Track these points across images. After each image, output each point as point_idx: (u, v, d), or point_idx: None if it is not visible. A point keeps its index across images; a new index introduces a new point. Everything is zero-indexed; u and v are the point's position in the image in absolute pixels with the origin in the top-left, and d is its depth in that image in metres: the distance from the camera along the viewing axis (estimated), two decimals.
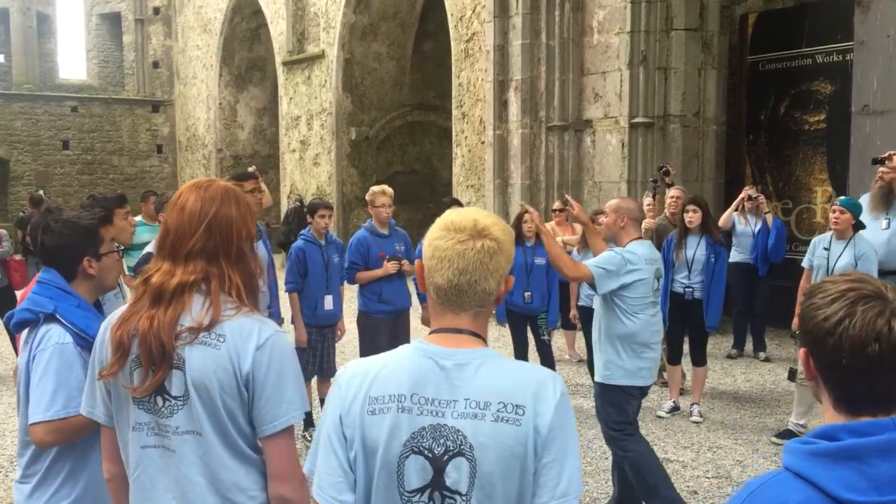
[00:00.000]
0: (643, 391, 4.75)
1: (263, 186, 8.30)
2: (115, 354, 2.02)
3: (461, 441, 1.67)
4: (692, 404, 6.81)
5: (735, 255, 8.74)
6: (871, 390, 1.34)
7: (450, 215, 1.79)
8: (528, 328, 7.21)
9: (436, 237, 1.76)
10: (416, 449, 1.69)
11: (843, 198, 6.28)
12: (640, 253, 4.59)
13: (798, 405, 6.26)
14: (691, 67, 10.00)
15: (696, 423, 6.63)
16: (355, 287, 6.62)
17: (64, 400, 2.43)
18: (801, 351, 1.43)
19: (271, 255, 5.77)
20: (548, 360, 7.22)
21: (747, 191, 8.64)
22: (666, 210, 7.72)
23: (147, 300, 2.02)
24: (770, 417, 6.84)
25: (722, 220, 8.73)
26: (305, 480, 2.05)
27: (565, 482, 1.66)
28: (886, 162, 6.34)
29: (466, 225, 1.74)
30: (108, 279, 2.71)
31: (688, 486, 5.34)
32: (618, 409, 4.66)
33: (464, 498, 1.67)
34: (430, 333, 1.80)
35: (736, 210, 8.73)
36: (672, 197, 7.65)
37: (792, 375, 6.82)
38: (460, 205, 7.08)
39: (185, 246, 2.03)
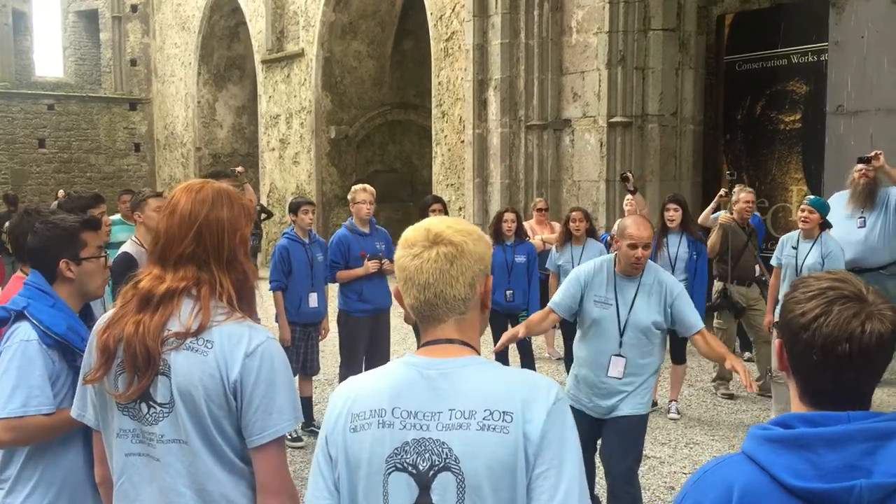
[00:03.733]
0: None
1: (249, 189, 8.26)
2: (100, 359, 1.96)
3: (446, 454, 1.58)
4: (670, 401, 6.87)
5: None
6: (835, 387, 1.39)
7: (407, 231, 1.73)
8: (510, 326, 7.24)
9: (398, 257, 1.70)
10: (399, 465, 1.61)
11: (811, 197, 6.37)
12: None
13: (776, 403, 6.34)
14: (669, 67, 10.07)
15: (674, 419, 6.70)
16: (336, 286, 6.66)
17: (23, 398, 2.39)
18: (777, 342, 1.47)
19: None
20: (528, 357, 7.27)
21: (722, 192, 8.70)
22: (734, 213, 7.29)
23: (134, 305, 1.96)
24: (746, 414, 6.92)
25: (701, 218, 8.80)
26: (296, 495, 1.99)
27: (562, 495, 1.54)
28: (873, 161, 6.42)
29: (419, 237, 1.68)
30: (89, 285, 2.67)
31: (665, 482, 5.40)
32: (640, 439, 4.24)
33: None
34: (419, 348, 1.73)
35: (714, 209, 8.78)
36: (745, 201, 7.23)
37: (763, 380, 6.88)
38: (442, 202, 7.09)
39: (174, 251, 1.98)
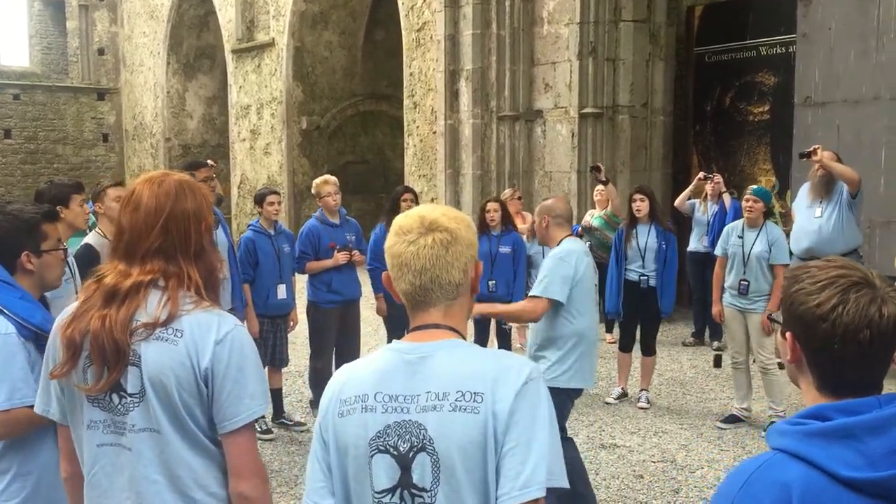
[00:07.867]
0: (579, 393, 4.57)
1: (217, 184, 8.20)
2: (66, 354, 1.97)
3: (423, 435, 1.62)
4: (641, 390, 6.92)
5: (692, 244, 8.89)
6: (858, 375, 1.38)
7: (398, 219, 1.77)
8: (492, 317, 7.25)
9: (390, 245, 1.74)
10: (381, 448, 1.65)
11: (755, 187, 6.50)
12: (575, 249, 4.42)
13: (738, 389, 6.43)
14: (639, 58, 10.11)
15: (643, 408, 6.75)
16: (305, 277, 6.62)
17: (7, 391, 2.39)
18: (788, 335, 1.44)
19: (231, 242, 5.74)
20: (506, 348, 7.29)
21: (701, 176, 8.81)
22: None
23: (99, 299, 1.96)
24: (714, 402, 6.99)
25: (678, 202, 8.91)
26: (267, 477, 2.03)
27: (528, 471, 1.56)
28: (812, 155, 6.52)
29: (413, 224, 1.72)
30: (49, 276, 2.67)
31: (634, 471, 5.44)
32: (557, 413, 4.47)
33: (429, 494, 1.62)
34: (408, 333, 1.78)
35: (693, 192, 8.87)
36: None
37: (717, 362, 7.01)
38: (413, 192, 7.11)
39: (142, 246, 1.98)
